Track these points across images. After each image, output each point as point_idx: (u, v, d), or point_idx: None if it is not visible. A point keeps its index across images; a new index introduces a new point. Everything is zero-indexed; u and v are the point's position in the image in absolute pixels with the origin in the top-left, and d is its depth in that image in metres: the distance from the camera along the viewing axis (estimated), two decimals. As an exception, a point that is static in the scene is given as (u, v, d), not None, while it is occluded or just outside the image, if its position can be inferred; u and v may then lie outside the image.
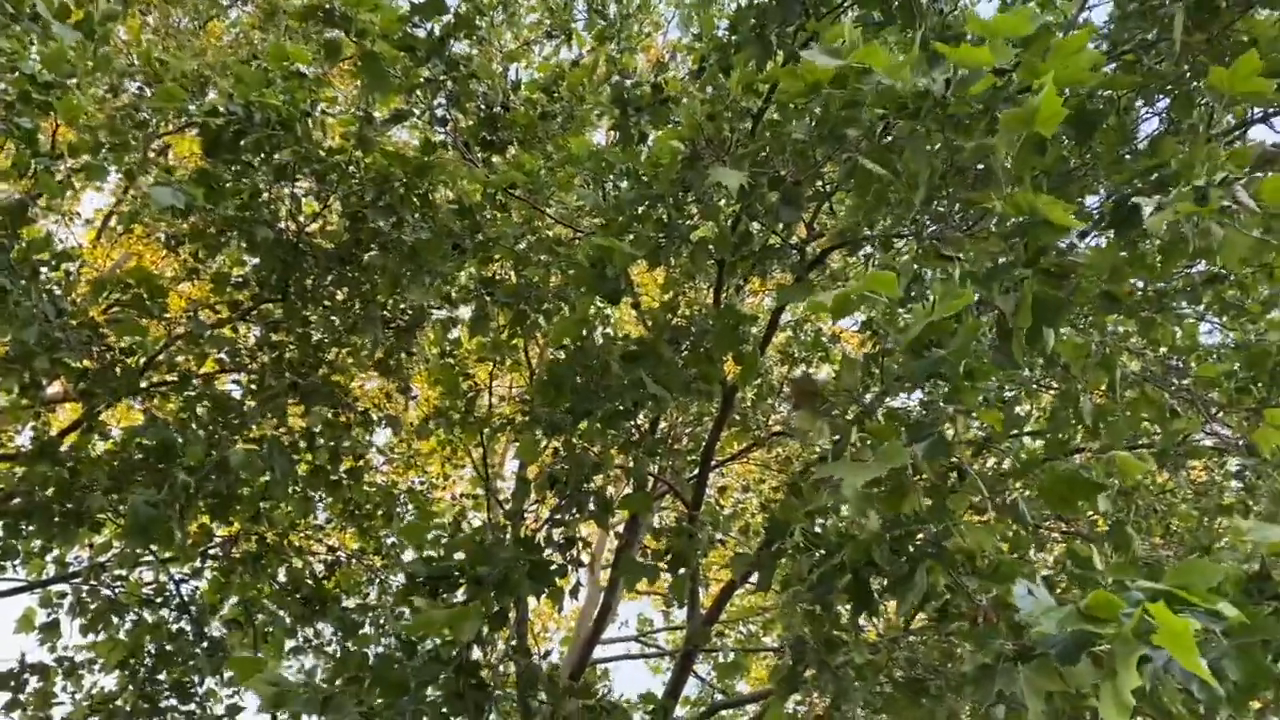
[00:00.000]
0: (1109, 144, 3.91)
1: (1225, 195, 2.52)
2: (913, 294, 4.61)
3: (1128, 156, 4.18)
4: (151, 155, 6.67)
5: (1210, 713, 1.87)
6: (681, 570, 4.57)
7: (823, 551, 2.84)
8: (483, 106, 5.13)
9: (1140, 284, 4.46)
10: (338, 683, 4.00)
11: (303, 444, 6.07)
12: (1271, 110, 4.33)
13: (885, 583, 2.60)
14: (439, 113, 5.13)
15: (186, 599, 6.21)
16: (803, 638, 3.14)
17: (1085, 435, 3.35)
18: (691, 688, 9.24)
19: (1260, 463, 4.35)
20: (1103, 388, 3.56)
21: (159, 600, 6.18)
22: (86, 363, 5.30)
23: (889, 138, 3.00)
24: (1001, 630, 2.09)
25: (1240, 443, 4.36)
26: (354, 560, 7.15)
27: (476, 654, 4.34)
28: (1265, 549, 2.22)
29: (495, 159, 5.36)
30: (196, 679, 6.06)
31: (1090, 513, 4.70)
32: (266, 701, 3.76)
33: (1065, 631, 1.77)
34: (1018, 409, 5.06)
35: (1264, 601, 2.20)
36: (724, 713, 8.58)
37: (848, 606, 3.03)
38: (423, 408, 8.16)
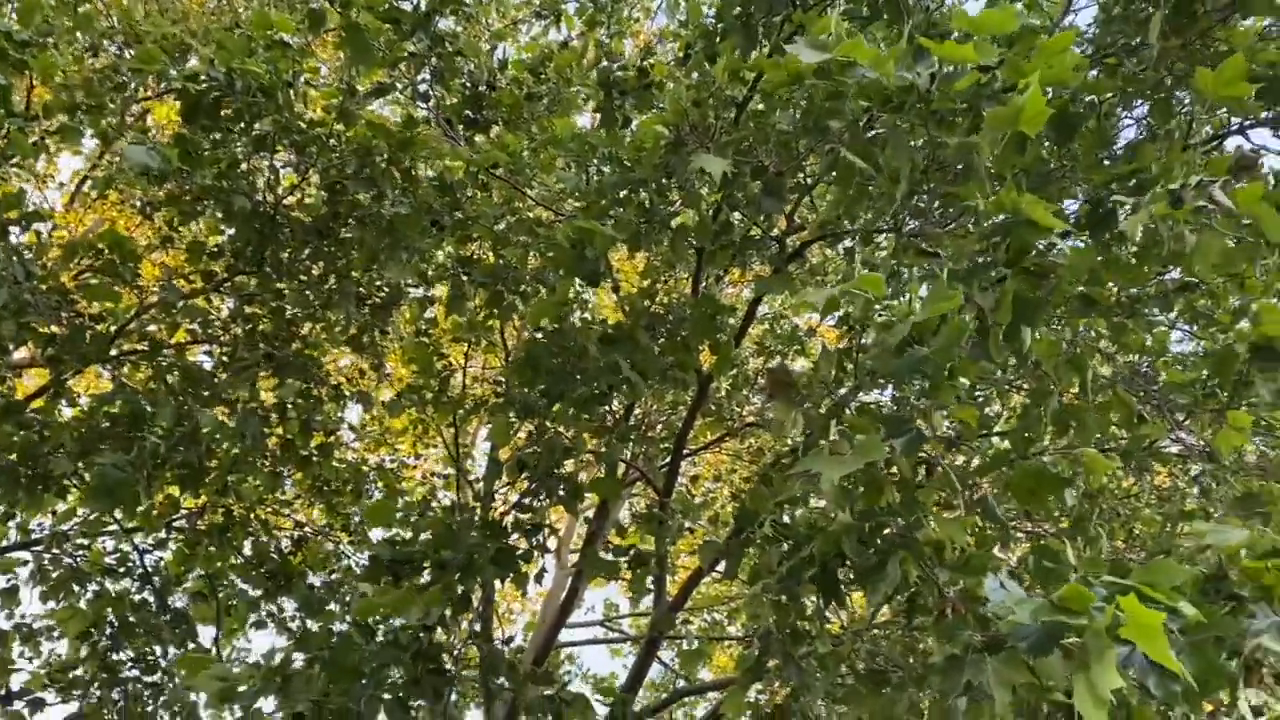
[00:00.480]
0: (1088, 147, 3.94)
1: (1200, 197, 2.54)
2: (890, 291, 4.63)
3: (1106, 161, 4.21)
4: (129, 120, 6.57)
5: (1166, 709, 1.90)
6: (640, 568, 4.59)
7: (791, 543, 2.85)
8: (468, 84, 5.09)
9: (1114, 288, 4.50)
10: (297, 663, 3.97)
11: (274, 416, 6.02)
12: (1248, 121, 4.38)
13: (853, 574, 2.62)
14: (422, 88, 5.09)
15: (150, 570, 6.15)
16: (769, 629, 3.15)
17: (1055, 435, 3.39)
18: (654, 672, 9.29)
19: (1218, 468, 4.41)
20: (1074, 390, 3.60)
21: (122, 570, 6.12)
22: (55, 328, 5.22)
23: (872, 131, 3.01)
24: (969, 622, 2.11)
25: (1203, 448, 4.42)
26: (321, 536, 7.11)
27: (440, 637, 4.33)
28: (1223, 551, 2.25)
29: (479, 138, 5.33)
30: (159, 651, 6.01)
31: (1056, 512, 4.75)
32: (212, 698, 3.74)
33: (1037, 623, 1.79)
34: (988, 409, 5.10)
35: (1219, 601, 2.23)
36: (686, 699, 8.64)
37: (814, 599, 3.05)
38: (395, 386, 8.11)
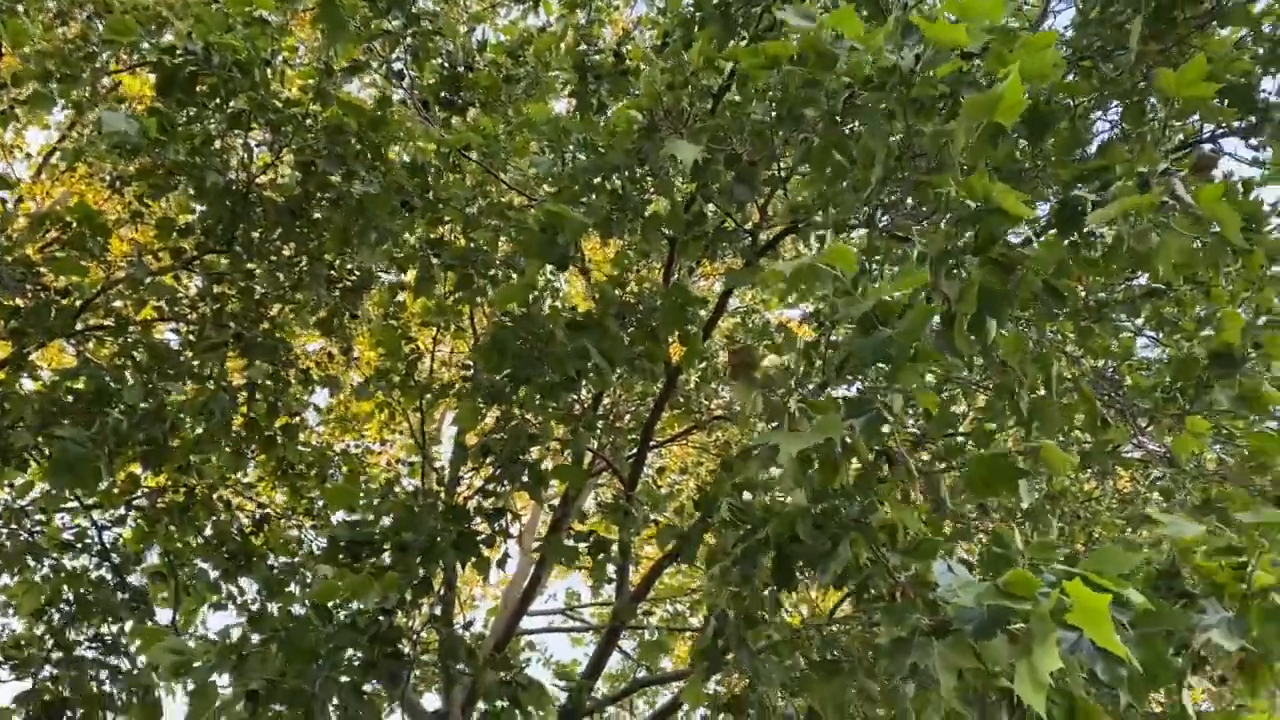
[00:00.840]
0: (1060, 146, 3.96)
1: (1165, 189, 2.55)
2: (859, 289, 4.62)
3: (1077, 162, 4.24)
4: (101, 92, 6.48)
5: (1114, 695, 1.90)
6: (601, 555, 4.58)
7: (748, 526, 2.84)
8: (445, 65, 5.05)
9: (1082, 292, 4.53)
10: (253, 640, 3.93)
11: (241, 396, 5.95)
12: (1218, 130, 4.43)
13: (806, 557, 2.61)
14: (396, 67, 5.04)
15: (108, 547, 6.07)
16: (724, 613, 3.15)
17: (1016, 431, 3.40)
18: (616, 663, 9.30)
19: (1177, 473, 4.45)
20: (1040, 389, 3.62)
21: (79, 546, 6.03)
22: (19, 300, 5.15)
23: (849, 116, 3.01)
24: (918, 606, 2.11)
25: (1164, 454, 4.46)
26: (283, 520, 7.05)
27: (400, 621, 4.30)
28: (1178, 545, 2.26)
29: (455, 120, 5.29)
30: (116, 630, 5.93)
31: (1014, 508, 4.78)
32: (167, 671, 3.70)
33: (982, 606, 1.78)
34: (954, 408, 5.11)
35: (1171, 598, 2.24)
36: (646, 688, 8.65)
37: (769, 586, 3.04)
38: (362, 370, 8.04)
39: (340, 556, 4.16)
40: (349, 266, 5.93)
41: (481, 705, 4.69)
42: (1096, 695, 2.07)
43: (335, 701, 3.89)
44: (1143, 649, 1.89)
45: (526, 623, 7.79)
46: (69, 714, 5.58)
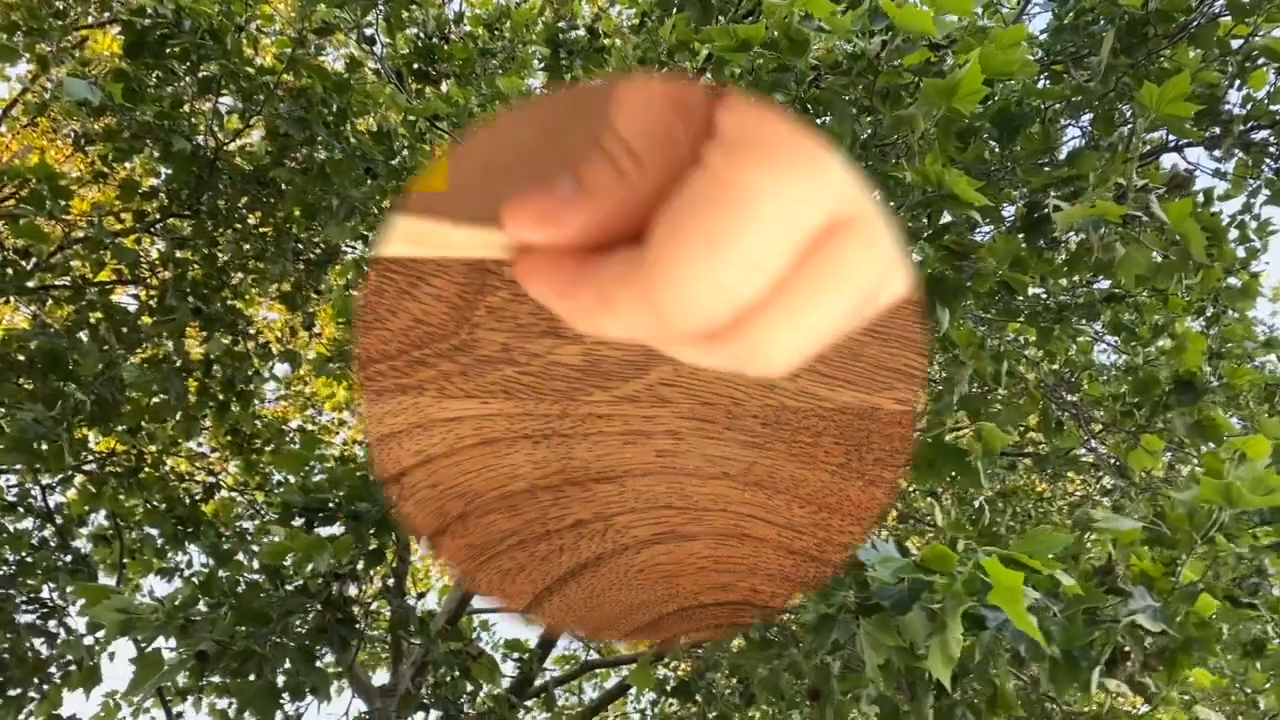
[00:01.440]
0: (1031, 150, 3.99)
1: (1139, 202, 2.57)
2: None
3: (1047, 167, 4.27)
4: (67, 47, 6.35)
5: (1034, 683, 1.91)
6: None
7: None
8: (421, 35, 4.99)
9: (1043, 295, 4.56)
10: (200, 606, 3.88)
11: (198, 370, 5.85)
12: (1185, 141, 4.47)
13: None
14: (368, 32, 4.97)
15: (51, 509, 5.96)
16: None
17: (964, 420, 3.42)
18: (565, 645, 9.28)
19: (1129, 485, 4.49)
20: (993, 387, 3.64)
21: (21, 508, 5.91)
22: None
23: (815, 102, 3.00)
24: (848, 584, 2.10)
25: (1115, 463, 4.50)
26: (236, 493, 6.96)
27: (352, 590, 4.26)
28: (1115, 538, 2.27)
29: (429, 92, 5.23)
30: (57, 596, 5.82)
31: (970, 501, 4.81)
32: (112, 629, 3.63)
33: (901, 581, 1.78)
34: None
35: (1104, 592, 2.24)
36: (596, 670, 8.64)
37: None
38: (321, 347, 7.94)
39: (293, 522, 4.11)
40: (315, 240, 5.86)
41: (430, 679, 4.66)
42: (1020, 688, 2.08)
43: (286, 665, 3.85)
44: (1066, 632, 1.90)
45: (480, 602, 7.74)
46: (5, 676, 5.48)
